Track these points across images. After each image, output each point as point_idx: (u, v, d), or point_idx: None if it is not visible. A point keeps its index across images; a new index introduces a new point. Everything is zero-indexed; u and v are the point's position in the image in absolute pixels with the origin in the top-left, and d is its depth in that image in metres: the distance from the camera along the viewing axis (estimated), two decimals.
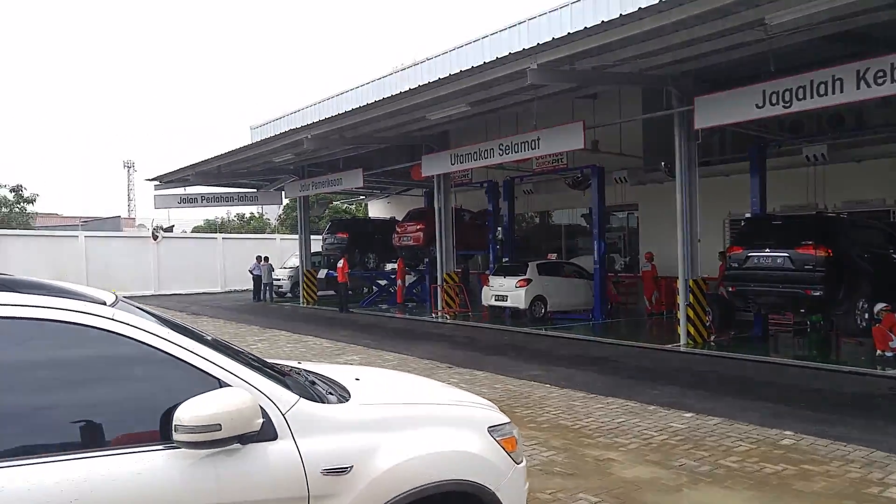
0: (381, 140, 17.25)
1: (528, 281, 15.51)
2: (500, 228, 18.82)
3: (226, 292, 28.47)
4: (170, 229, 37.32)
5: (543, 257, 17.54)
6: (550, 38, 9.91)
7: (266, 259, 24.40)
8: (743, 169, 13.27)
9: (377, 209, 29.62)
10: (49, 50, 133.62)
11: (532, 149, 13.06)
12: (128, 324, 2.23)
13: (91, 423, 2.14)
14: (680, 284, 11.96)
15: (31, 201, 36.85)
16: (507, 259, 17.85)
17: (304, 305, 22.19)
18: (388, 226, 21.99)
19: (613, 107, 14.57)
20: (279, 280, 25.03)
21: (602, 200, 15.77)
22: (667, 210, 13.88)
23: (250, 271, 24.44)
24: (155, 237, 28.46)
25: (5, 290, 2.18)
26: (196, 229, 45.92)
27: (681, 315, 11.95)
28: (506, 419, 3.14)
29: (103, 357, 2.23)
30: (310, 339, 13.44)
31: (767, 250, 10.82)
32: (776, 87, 9.28)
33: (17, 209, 36.42)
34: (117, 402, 2.23)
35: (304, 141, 15.84)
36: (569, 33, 9.59)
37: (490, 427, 2.97)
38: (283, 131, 17.58)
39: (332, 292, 22.03)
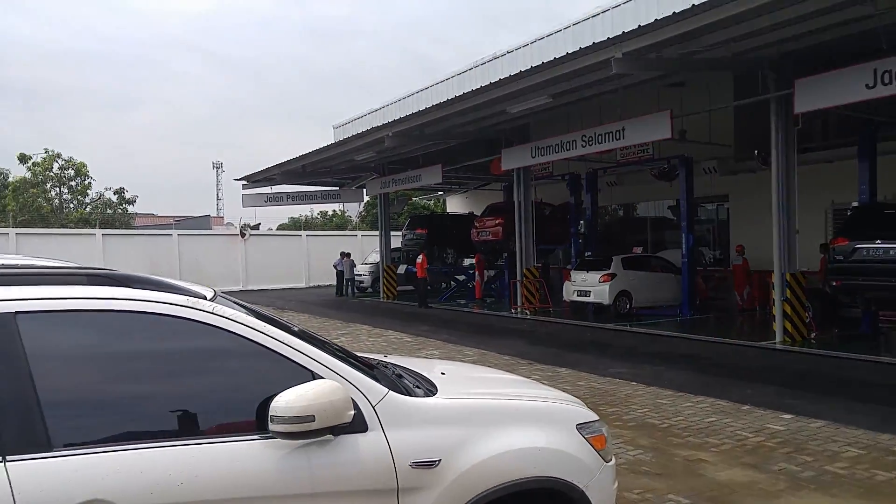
0: (461, 135, 17.26)
1: (613, 276, 15.12)
2: (582, 222, 18.45)
3: (310, 287, 29.43)
4: (256, 227, 39.04)
5: (628, 251, 17.04)
6: (636, 26, 9.58)
7: (348, 255, 24.99)
8: (848, 155, 12.37)
9: (455, 204, 29.73)
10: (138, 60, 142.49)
11: (616, 139, 12.71)
12: (227, 317, 2.30)
13: (195, 411, 2.23)
14: (776, 278, 11.33)
15: (131, 202, 39.33)
16: (589, 253, 17.48)
17: (385, 300, 22.59)
18: (466, 221, 22.01)
19: (702, 94, 13.93)
20: (360, 275, 25.58)
21: (690, 192, 15.20)
22: (760, 201, 13.18)
23: (334, 266, 25.10)
24: (243, 235, 29.80)
25: (119, 286, 2.32)
26: (281, 227, 47.76)
27: (776, 311, 11.33)
28: (595, 416, 3.07)
29: (206, 349, 2.33)
30: (390, 334, 13.66)
31: (878, 241, 10.02)
32: (889, 65, 8.60)
33: (119, 210, 38.96)
34: (218, 391, 2.32)
35: (386, 139, 16.07)
36: (655, 20, 9.23)
37: (579, 424, 2.90)
38: (364, 130, 17.91)
39: (411, 287, 22.32)
